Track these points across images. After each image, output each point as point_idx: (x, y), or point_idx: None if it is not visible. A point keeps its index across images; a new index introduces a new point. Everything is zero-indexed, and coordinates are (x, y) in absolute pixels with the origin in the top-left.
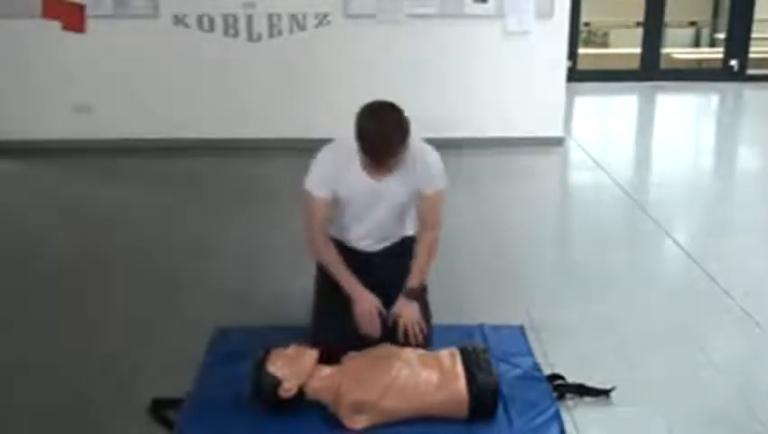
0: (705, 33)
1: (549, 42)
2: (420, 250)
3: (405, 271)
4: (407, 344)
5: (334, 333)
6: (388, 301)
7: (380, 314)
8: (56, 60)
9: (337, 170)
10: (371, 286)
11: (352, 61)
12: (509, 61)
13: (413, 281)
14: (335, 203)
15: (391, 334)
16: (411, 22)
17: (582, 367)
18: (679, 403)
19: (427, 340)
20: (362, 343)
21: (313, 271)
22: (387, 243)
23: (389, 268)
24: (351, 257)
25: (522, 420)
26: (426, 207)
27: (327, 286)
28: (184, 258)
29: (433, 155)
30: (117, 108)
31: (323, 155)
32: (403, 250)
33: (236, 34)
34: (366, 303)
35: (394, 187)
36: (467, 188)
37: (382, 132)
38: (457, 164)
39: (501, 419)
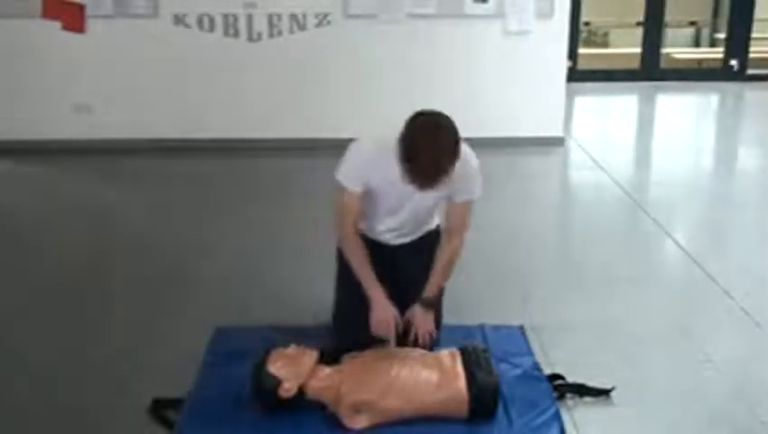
0: (705, 32)
1: (549, 42)
2: (443, 259)
3: (426, 267)
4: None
5: (357, 326)
6: (405, 297)
7: (396, 321)
8: (56, 60)
9: (375, 170)
10: (391, 280)
11: (352, 61)
12: (509, 61)
13: (431, 290)
14: (364, 195)
15: (401, 336)
16: (411, 22)
17: (582, 367)
18: (679, 403)
19: (434, 344)
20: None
21: (314, 272)
22: (411, 238)
23: (411, 263)
24: (373, 249)
25: (522, 420)
26: (457, 214)
27: (349, 278)
28: (185, 258)
29: (473, 164)
30: (117, 108)
31: (364, 150)
32: (426, 245)
33: (236, 34)
34: (383, 313)
35: (429, 193)
36: None
37: (435, 158)
38: None
39: (501, 419)
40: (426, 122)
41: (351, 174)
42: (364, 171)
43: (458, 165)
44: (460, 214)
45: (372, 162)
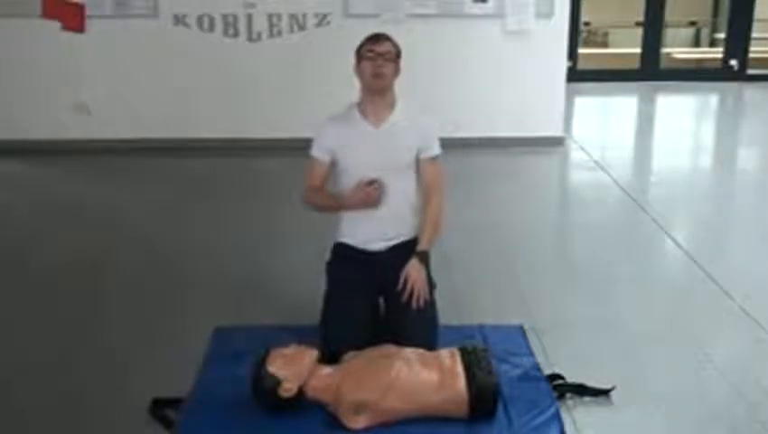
0: (705, 32)
1: (549, 42)
2: (429, 215)
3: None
4: (408, 304)
5: (343, 331)
6: (394, 301)
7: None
8: (56, 60)
9: (341, 127)
10: (379, 287)
11: (352, 61)
12: (509, 61)
13: (425, 243)
14: (334, 168)
15: (393, 334)
16: (411, 22)
17: (582, 367)
18: (679, 403)
19: (428, 304)
20: (370, 340)
21: (314, 272)
22: (394, 241)
23: (397, 270)
24: (360, 257)
25: (522, 420)
26: (429, 171)
27: (336, 286)
28: (184, 257)
29: (430, 117)
30: (117, 108)
31: (330, 116)
32: (410, 253)
33: (236, 34)
34: (357, 191)
35: (396, 136)
36: (467, 188)
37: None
38: (457, 164)
39: (501, 418)
40: None
41: (317, 140)
42: (330, 133)
43: (414, 110)
44: (431, 171)
45: (337, 119)
